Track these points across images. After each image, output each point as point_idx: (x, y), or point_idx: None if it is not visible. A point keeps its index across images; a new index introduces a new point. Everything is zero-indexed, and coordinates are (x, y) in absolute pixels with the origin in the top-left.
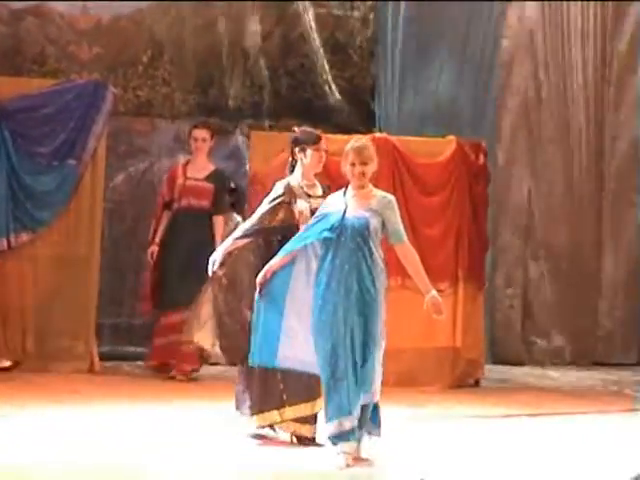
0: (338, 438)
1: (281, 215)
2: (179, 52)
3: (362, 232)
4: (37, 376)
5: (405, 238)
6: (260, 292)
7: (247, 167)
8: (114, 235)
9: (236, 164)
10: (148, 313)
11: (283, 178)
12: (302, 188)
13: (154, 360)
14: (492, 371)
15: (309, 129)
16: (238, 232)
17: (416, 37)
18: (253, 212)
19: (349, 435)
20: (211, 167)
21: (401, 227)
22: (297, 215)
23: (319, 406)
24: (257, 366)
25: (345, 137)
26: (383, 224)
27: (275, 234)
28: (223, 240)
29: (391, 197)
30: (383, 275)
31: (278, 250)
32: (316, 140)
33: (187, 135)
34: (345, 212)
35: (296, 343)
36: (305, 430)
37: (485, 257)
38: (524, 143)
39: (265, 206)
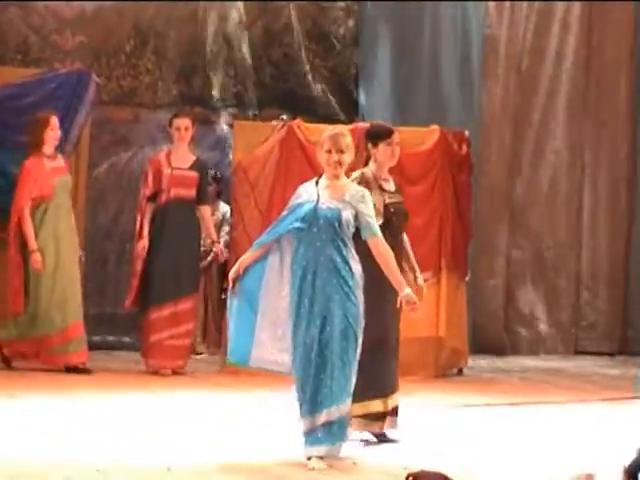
0: (311, 435)
1: None
2: (162, 42)
3: (333, 223)
4: (19, 365)
5: (379, 233)
6: (232, 288)
7: (231, 157)
8: (97, 224)
9: (220, 154)
10: (134, 307)
11: (265, 168)
12: (376, 182)
13: (149, 358)
14: (475, 360)
15: (381, 123)
16: None
17: (399, 26)
18: (236, 202)
19: (323, 432)
20: (192, 156)
21: (374, 221)
22: None
23: (392, 402)
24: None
25: (329, 126)
26: (356, 217)
27: None
28: (215, 229)
29: (365, 191)
30: (358, 266)
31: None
32: (388, 134)
33: (168, 124)
34: (317, 203)
35: (270, 341)
36: (377, 427)
37: (468, 246)
38: (507, 133)
39: None
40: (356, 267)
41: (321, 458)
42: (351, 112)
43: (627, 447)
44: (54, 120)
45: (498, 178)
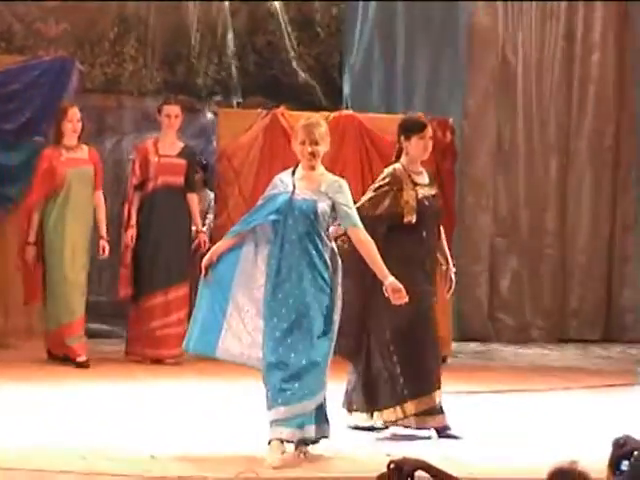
0: (281, 425)
1: (386, 203)
2: (146, 29)
3: (309, 215)
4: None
5: (359, 223)
6: (205, 276)
7: (215, 144)
8: None
9: (205, 141)
10: (127, 297)
11: (249, 155)
12: (409, 176)
13: (146, 348)
14: (459, 348)
15: (415, 115)
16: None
17: (383, 14)
18: (220, 189)
19: (291, 422)
20: (180, 144)
21: (354, 211)
22: (402, 204)
23: (439, 396)
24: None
25: (312, 114)
26: (333, 208)
27: (380, 223)
28: (201, 217)
29: (342, 181)
30: (335, 258)
31: (383, 240)
32: (421, 128)
33: (157, 112)
34: (292, 194)
35: (239, 334)
36: (432, 421)
37: (452, 234)
38: (491, 121)
39: (369, 194)
40: (332, 259)
41: (282, 442)
42: (335, 100)
43: (610, 435)
44: (72, 111)
45: (482, 166)
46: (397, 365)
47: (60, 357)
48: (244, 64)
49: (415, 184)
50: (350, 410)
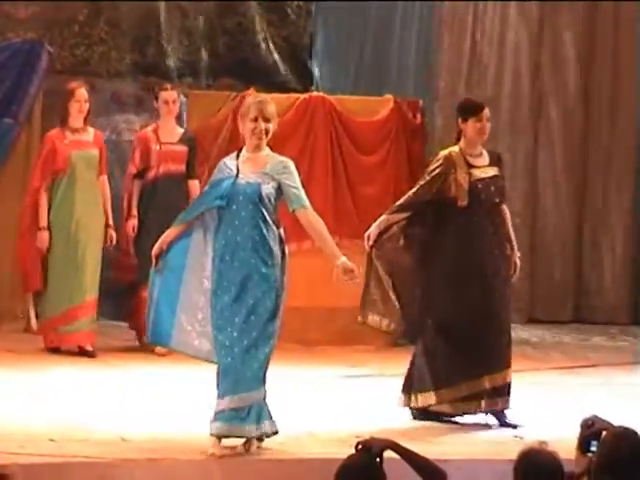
0: (221, 414)
1: (435, 188)
2: (116, 11)
3: (253, 199)
4: None
5: (307, 204)
6: (156, 265)
7: (185, 126)
8: None
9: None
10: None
11: (219, 137)
12: (464, 159)
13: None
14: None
15: (472, 98)
16: (394, 207)
17: None
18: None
19: (233, 415)
20: (180, 129)
21: (302, 192)
22: (454, 187)
23: (491, 381)
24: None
25: (283, 96)
26: (280, 190)
27: (431, 208)
28: None
29: (288, 161)
30: (281, 245)
31: (438, 224)
32: (477, 111)
33: (155, 98)
34: (236, 178)
35: (190, 324)
36: (473, 407)
37: None
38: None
39: (422, 179)
40: (277, 246)
41: (220, 438)
42: (305, 81)
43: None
44: (80, 91)
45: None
46: (453, 347)
47: (60, 351)
48: (214, 46)
49: (471, 166)
50: (410, 392)
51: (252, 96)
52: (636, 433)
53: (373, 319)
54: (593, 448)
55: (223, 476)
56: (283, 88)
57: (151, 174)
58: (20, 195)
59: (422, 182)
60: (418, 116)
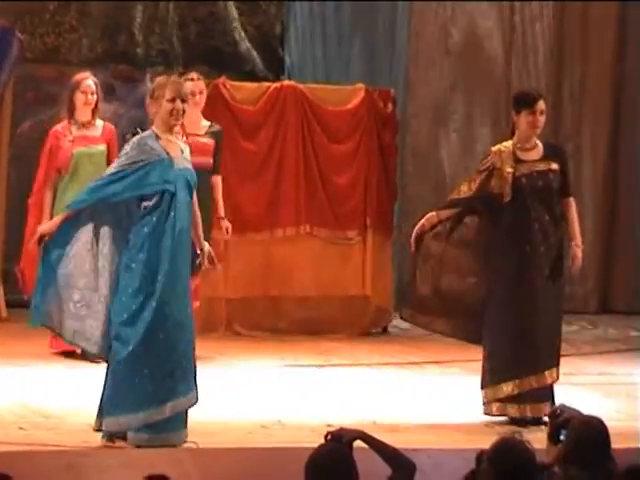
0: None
1: (477, 184)
2: None
3: (191, 185)
4: None
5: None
6: (45, 245)
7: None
8: (19, 181)
9: (145, 111)
10: None
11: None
12: (514, 153)
13: None
14: (399, 319)
15: (527, 90)
16: (443, 203)
17: None
18: None
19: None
20: (205, 122)
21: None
22: (498, 183)
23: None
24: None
25: (255, 84)
26: None
27: (475, 204)
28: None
29: (186, 147)
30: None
31: (484, 221)
32: (529, 103)
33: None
34: (173, 162)
35: (83, 313)
36: (513, 410)
37: (394, 206)
38: (434, 92)
39: (474, 174)
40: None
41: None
42: (277, 70)
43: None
44: (86, 83)
45: (424, 137)
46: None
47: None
48: (185, 34)
49: (519, 161)
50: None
51: (163, 77)
52: (602, 421)
53: (422, 319)
54: (562, 437)
55: (193, 464)
56: (255, 76)
57: None
58: None
59: (466, 180)
60: (389, 105)
